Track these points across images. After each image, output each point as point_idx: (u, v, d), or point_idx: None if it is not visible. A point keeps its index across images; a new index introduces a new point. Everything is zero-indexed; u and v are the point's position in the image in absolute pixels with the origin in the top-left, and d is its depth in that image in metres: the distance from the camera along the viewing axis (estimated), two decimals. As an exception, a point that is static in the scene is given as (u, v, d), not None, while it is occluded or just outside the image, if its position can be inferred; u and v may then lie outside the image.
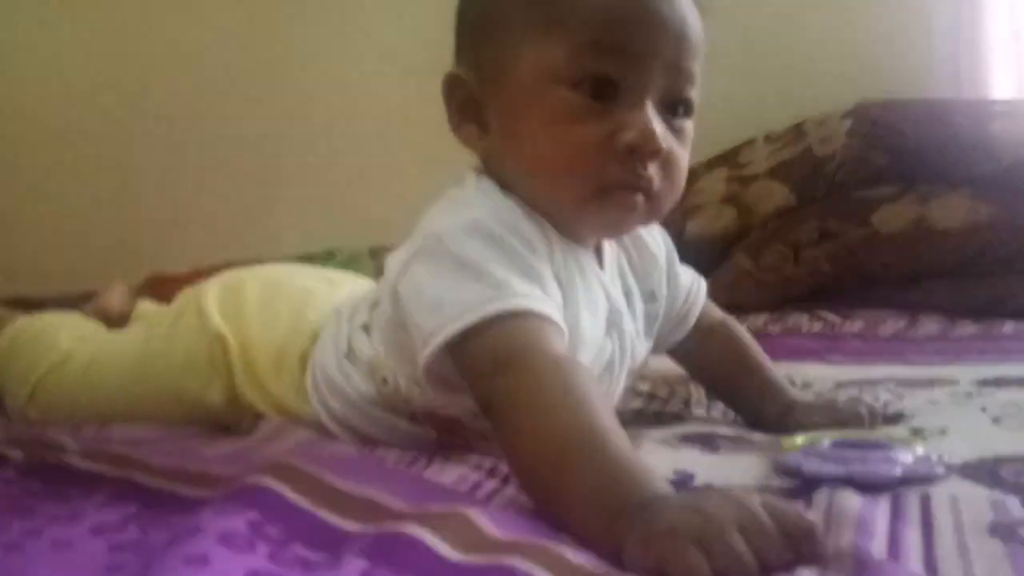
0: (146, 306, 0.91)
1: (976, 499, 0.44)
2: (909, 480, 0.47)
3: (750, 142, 1.63)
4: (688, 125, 0.58)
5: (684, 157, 0.58)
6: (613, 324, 0.62)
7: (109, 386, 0.73)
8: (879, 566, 0.34)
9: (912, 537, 0.39)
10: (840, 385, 0.82)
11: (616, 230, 0.63)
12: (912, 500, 0.44)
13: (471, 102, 0.58)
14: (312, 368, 0.65)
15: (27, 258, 1.75)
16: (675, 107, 0.56)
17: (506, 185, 0.58)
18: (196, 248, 1.65)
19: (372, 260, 1.78)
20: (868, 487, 0.46)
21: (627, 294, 0.65)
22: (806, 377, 0.85)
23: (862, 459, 0.49)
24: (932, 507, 0.43)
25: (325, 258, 1.73)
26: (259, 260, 1.48)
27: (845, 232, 1.44)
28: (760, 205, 1.54)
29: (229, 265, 1.29)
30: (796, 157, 1.54)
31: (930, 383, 0.79)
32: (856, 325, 1.24)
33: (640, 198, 0.56)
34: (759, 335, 1.23)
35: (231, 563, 0.32)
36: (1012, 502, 0.43)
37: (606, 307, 0.61)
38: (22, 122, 1.85)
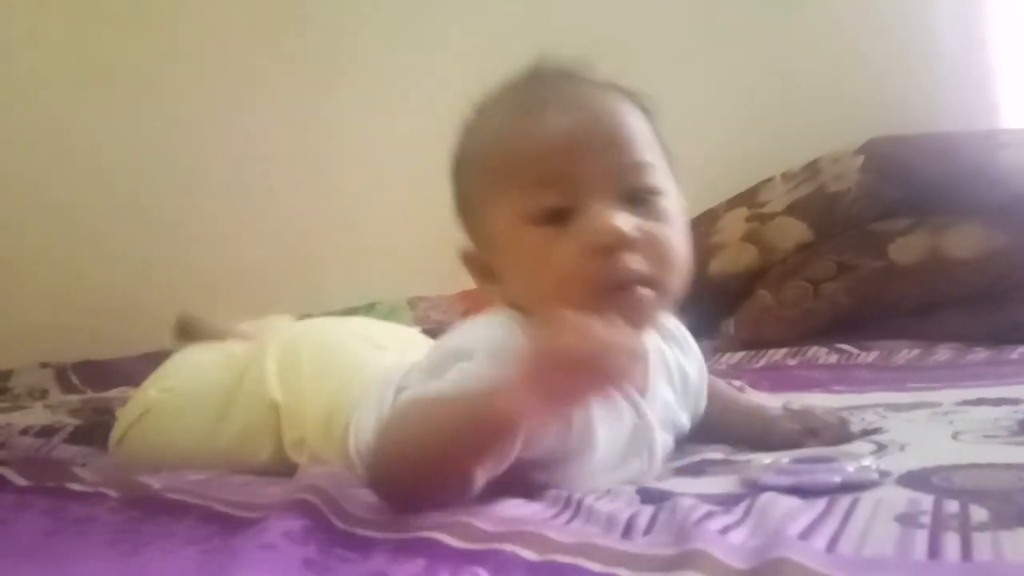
0: (244, 327, 1.04)
1: (898, 498, 0.54)
2: (848, 487, 0.58)
3: (768, 181, 1.74)
4: (664, 204, 0.65)
5: (671, 233, 0.64)
6: (643, 444, 0.68)
7: (175, 443, 0.85)
8: (784, 539, 0.45)
9: (829, 526, 0.50)
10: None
11: (635, 326, 0.63)
12: (844, 501, 0.55)
13: (484, 268, 0.69)
14: (355, 434, 0.72)
15: (90, 324, 1.93)
16: (642, 196, 0.64)
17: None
18: (246, 305, 1.81)
19: (411, 310, 1.94)
20: (812, 493, 0.57)
21: (667, 426, 0.72)
22: (804, 404, 0.95)
23: (810, 471, 0.60)
24: (858, 505, 0.54)
25: (367, 310, 1.89)
26: (307, 315, 1.63)
27: (862, 265, 1.54)
28: (780, 242, 1.64)
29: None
30: (812, 194, 1.65)
31: (915, 406, 0.89)
32: (871, 356, 1.34)
33: (642, 291, 0.62)
34: (776, 368, 1.34)
35: (292, 551, 0.45)
36: (927, 500, 0.54)
37: (630, 419, 0.67)
38: (80, 196, 2.04)
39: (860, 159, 1.62)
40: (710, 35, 1.86)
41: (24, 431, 1.01)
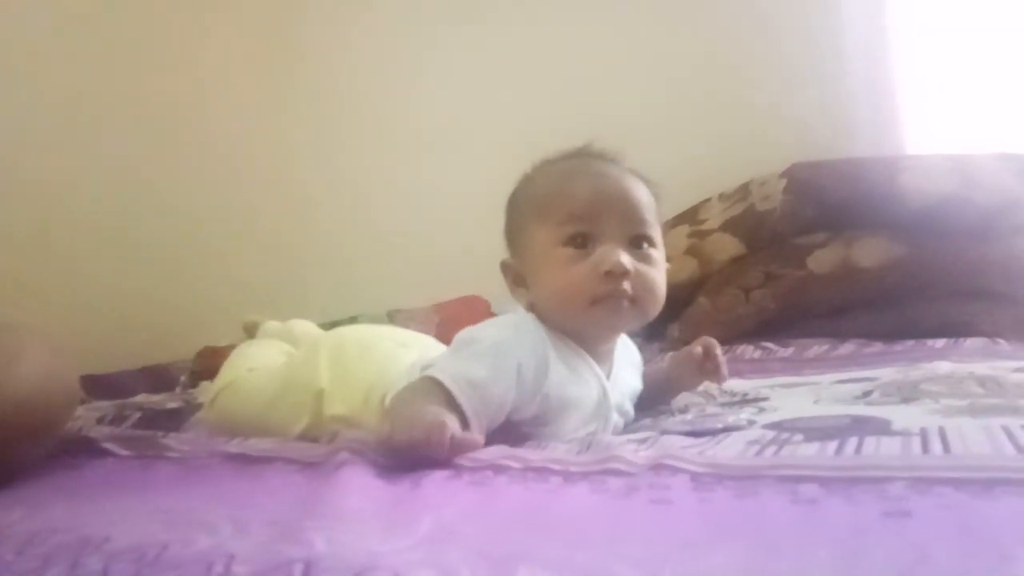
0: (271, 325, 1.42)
1: (755, 434, 0.88)
2: (728, 430, 0.92)
3: (706, 201, 2.10)
4: (654, 253, 0.98)
5: (656, 274, 0.98)
6: (601, 414, 1.00)
7: (245, 410, 1.17)
8: (672, 451, 0.78)
9: (704, 447, 0.83)
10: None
11: (614, 327, 1.00)
12: (720, 437, 0.88)
13: (518, 275, 1.03)
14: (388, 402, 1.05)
15: (94, 340, 2.21)
16: (640, 243, 0.97)
17: (543, 317, 0.98)
18: (239, 322, 2.12)
19: (390, 321, 2.26)
20: (702, 434, 0.91)
21: (621, 412, 1.06)
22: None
23: (702, 422, 0.94)
24: (727, 439, 0.87)
25: (349, 322, 2.21)
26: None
27: (786, 274, 1.90)
28: (716, 255, 2.00)
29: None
30: (744, 213, 2.01)
31: (801, 384, 1.24)
32: (788, 351, 1.69)
33: (625, 303, 0.95)
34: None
35: (366, 468, 0.77)
36: (771, 433, 0.88)
37: (597, 396, 0.99)
38: (75, 228, 2.33)
39: (783, 182, 1.98)
40: (660, 82, 2.24)
41: (99, 420, 1.31)
